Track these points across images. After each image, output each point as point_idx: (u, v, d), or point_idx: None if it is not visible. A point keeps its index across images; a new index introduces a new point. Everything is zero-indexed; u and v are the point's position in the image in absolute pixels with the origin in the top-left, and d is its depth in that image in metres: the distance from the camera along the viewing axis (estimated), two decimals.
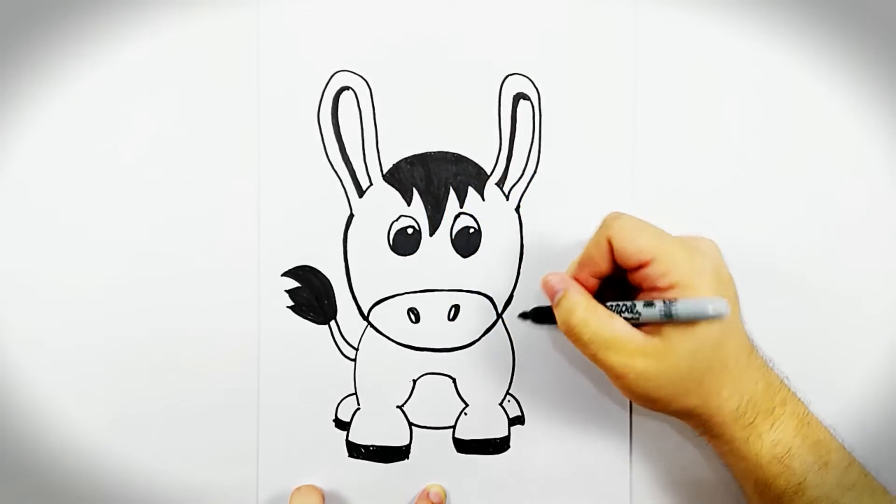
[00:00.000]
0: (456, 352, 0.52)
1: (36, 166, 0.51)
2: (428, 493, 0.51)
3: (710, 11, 0.51)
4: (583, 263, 0.45)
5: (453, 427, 0.52)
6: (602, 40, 0.51)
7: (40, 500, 0.51)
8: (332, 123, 0.51)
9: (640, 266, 0.42)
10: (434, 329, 0.52)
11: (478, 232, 0.52)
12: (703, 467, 0.52)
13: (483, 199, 0.52)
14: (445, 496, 0.52)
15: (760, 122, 0.52)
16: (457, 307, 0.52)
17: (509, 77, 0.51)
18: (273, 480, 0.52)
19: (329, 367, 0.51)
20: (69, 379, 0.51)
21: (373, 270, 0.51)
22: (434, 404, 0.52)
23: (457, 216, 0.51)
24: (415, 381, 0.52)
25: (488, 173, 0.52)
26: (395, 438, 0.52)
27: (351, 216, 0.51)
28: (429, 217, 0.51)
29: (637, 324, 0.43)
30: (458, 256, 0.52)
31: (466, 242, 0.52)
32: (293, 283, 0.51)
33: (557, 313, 0.44)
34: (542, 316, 0.48)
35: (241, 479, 0.52)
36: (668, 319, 0.41)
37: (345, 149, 0.51)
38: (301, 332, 0.51)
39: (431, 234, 0.51)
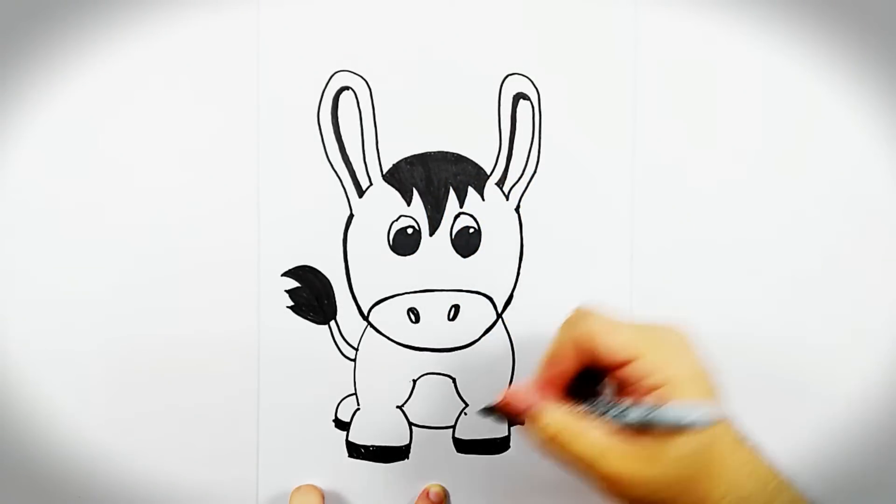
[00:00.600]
0: (456, 352, 0.52)
1: (36, 166, 0.51)
2: (428, 493, 0.51)
3: (710, 11, 0.51)
4: (549, 363, 0.42)
5: (453, 427, 0.52)
6: (602, 40, 0.51)
7: (40, 500, 0.51)
8: (332, 123, 0.51)
9: (621, 365, 0.39)
10: (434, 329, 0.52)
11: (478, 232, 0.52)
12: None
13: (483, 199, 0.52)
14: (445, 496, 0.52)
15: (760, 122, 0.52)
16: (457, 307, 0.52)
17: (509, 77, 0.51)
18: (273, 480, 0.52)
19: (329, 367, 0.51)
20: (69, 379, 0.51)
21: (373, 270, 0.51)
22: (434, 404, 0.52)
23: (457, 216, 0.51)
24: (415, 381, 0.52)
25: (488, 173, 0.52)
26: (395, 438, 0.52)
27: (351, 216, 0.51)
28: (429, 217, 0.51)
29: (618, 427, 0.39)
30: (458, 256, 0.52)
31: (466, 242, 0.52)
32: (293, 283, 0.51)
33: (537, 429, 0.41)
34: (508, 416, 0.44)
35: (241, 479, 0.52)
36: (651, 425, 0.38)
37: (345, 149, 0.51)
38: (301, 332, 0.51)
39: (431, 234, 0.51)
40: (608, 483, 0.39)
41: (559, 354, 0.42)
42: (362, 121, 0.51)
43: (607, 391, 0.42)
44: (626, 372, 0.39)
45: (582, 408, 0.40)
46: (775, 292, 0.52)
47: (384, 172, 0.51)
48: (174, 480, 0.51)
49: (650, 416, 0.38)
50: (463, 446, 0.52)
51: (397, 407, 0.52)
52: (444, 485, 0.52)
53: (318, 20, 0.51)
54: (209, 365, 0.51)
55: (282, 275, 0.51)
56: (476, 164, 0.51)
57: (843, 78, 0.51)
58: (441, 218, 0.51)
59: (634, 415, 0.38)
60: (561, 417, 0.40)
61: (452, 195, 0.51)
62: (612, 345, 0.39)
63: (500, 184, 0.52)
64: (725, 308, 0.52)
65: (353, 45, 0.51)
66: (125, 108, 0.51)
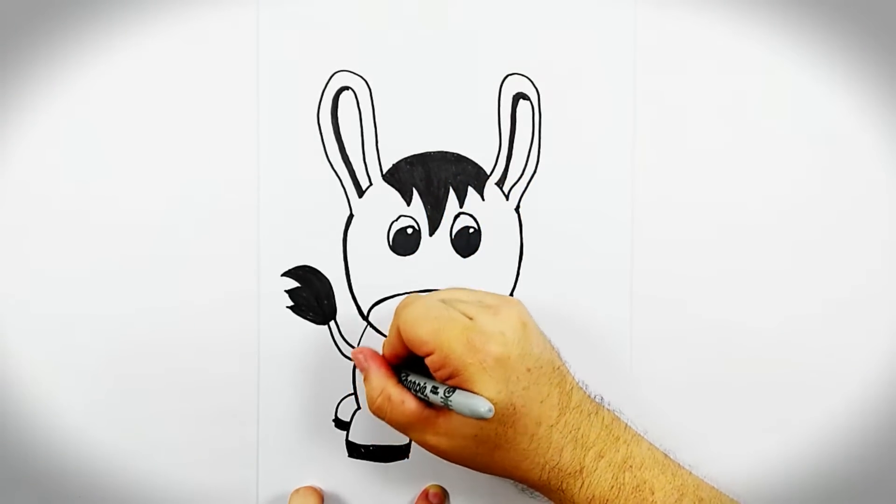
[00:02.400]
0: None
1: (36, 166, 0.51)
2: (427, 494, 0.51)
3: (710, 12, 0.51)
4: (385, 344, 0.47)
5: None
6: (602, 40, 0.51)
7: (41, 501, 0.51)
8: (332, 123, 0.51)
9: (424, 356, 0.43)
10: None
11: (478, 232, 0.52)
12: (699, 468, 0.52)
13: (483, 199, 0.52)
14: (445, 496, 0.52)
15: (760, 122, 0.52)
16: None
17: (509, 77, 0.51)
18: (273, 480, 0.52)
19: (329, 367, 0.51)
20: (69, 379, 0.51)
21: (372, 270, 0.51)
22: None
23: (456, 216, 0.51)
24: None
25: (488, 173, 0.52)
26: (394, 438, 0.52)
27: (351, 216, 0.51)
28: (428, 217, 0.51)
29: (429, 402, 0.44)
30: (458, 256, 0.52)
31: (466, 242, 0.52)
32: (293, 284, 0.51)
33: (366, 394, 0.46)
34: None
35: (241, 479, 0.52)
36: (447, 406, 0.42)
37: (344, 149, 0.51)
38: (301, 332, 0.51)
39: (431, 234, 0.51)
40: (422, 446, 0.45)
41: (390, 340, 0.46)
42: (362, 121, 0.51)
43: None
44: (427, 361, 0.43)
45: (407, 380, 0.45)
46: (775, 292, 0.52)
47: (384, 172, 0.51)
48: (174, 481, 0.51)
49: (444, 400, 0.42)
50: None
51: None
52: (443, 485, 0.52)
53: (318, 20, 0.51)
54: (209, 365, 0.51)
55: (282, 275, 0.51)
56: (476, 164, 0.51)
57: (843, 77, 0.51)
58: (441, 218, 0.51)
59: (435, 397, 0.43)
60: (383, 389, 0.45)
61: (452, 195, 0.51)
62: (413, 339, 0.43)
63: (500, 184, 0.52)
64: (725, 308, 0.52)
65: (352, 45, 0.51)
66: (125, 108, 0.51)
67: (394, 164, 0.51)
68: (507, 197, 0.52)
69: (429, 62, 0.51)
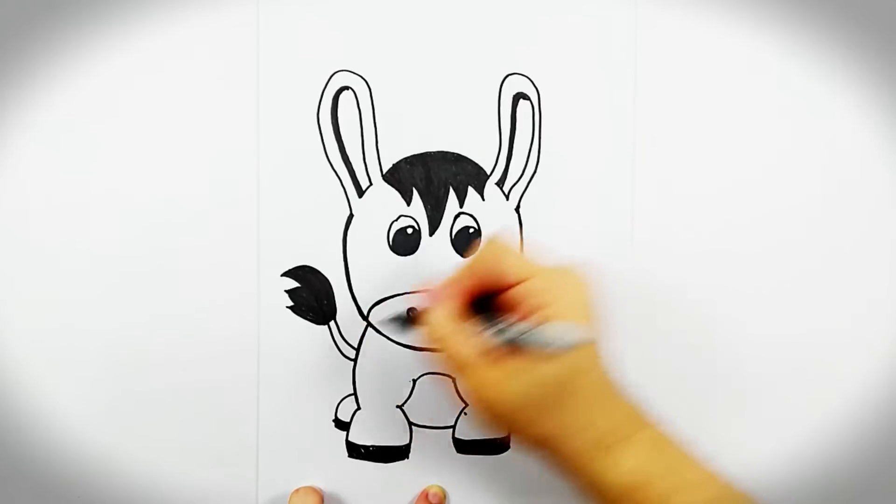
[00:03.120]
0: None
1: (36, 166, 0.51)
2: (427, 495, 0.51)
3: (710, 11, 0.51)
4: (453, 281, 0.45)
5: (453, 427, 0.52)
6: (602, 40, 0.51)
7: (40, 500, 0.51)
8: (332, 123, 0.51)
9: (509, 287, 0.43)
10: None
11: (478, 232, 0.52)
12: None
13: (483, 199, 0.52)
14: (445, 497, 0.52)
15: (760, 121, 0.52)
16: None
17: (509, 77, 0.51)
18: (273, 480, 0.52)
19: (329, 367, 0.51)
20: (69, 379, 0.51)
21: (372, 270, 0.51)
22: (434, 404, 0.52)
23: (456, 216, 0.51)
24: (415, 381, 0.52)
25: (488, 173, 0.52)
26: (394, 438, 0.52)
27: (350, 216, 0.51)
28: (428, 217, 0.51)
29: (500, 343, 0.42)
30: (458, 256, 0.52)
31: (466, 242, 0.52)
32: (293, 284, 0.51)
33: (427, 326, 0.44)
34: (415, 320, 0.47)
35: (241, 479, 0.52)
36: (523, 344, 0.41)
37: (344, 149, 0.51)
38: (301, 333, 0.51)
39: (431, 234, 0.51)
40: (478, 388, 0.42)
41: (461, 275, 0.45)
42: (362, 121, 0.51)
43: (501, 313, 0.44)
44: (514, 291, 0.43)
45: (472, 321, 0.43)
46: (775, 292, 0.52)
47: (384, 172, 0.51)
48: (174, 480, 0.51)
49: (523, 335, 0.41)
50: (463, 446, 0.52)
51: (397, 407, 0.52)
52: (443, 485, 0.52)
53: (318, 20, 0.51)
54: (209, 365, 0.51)
55: (282, 275, 0.51)
56: (476, 164, 0.51)
57: (843, 76, 0.51)
58: (441, 218, 0.51)
59: (510, 333, 0.41)
60: (448, 322, 0.43)
61: (452, 195, 0.51)
62: (503, 267, 0.43)
63: (500, 184, 0.52)
64: (725, 308, 0.52)
65: (352, 45, 0.51)
66: (125, 109, 0.51)
67: (394, 164, 0.51)
68: (507, 197, 0.52)
69: (429, 62, 0.51)
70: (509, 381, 0.41)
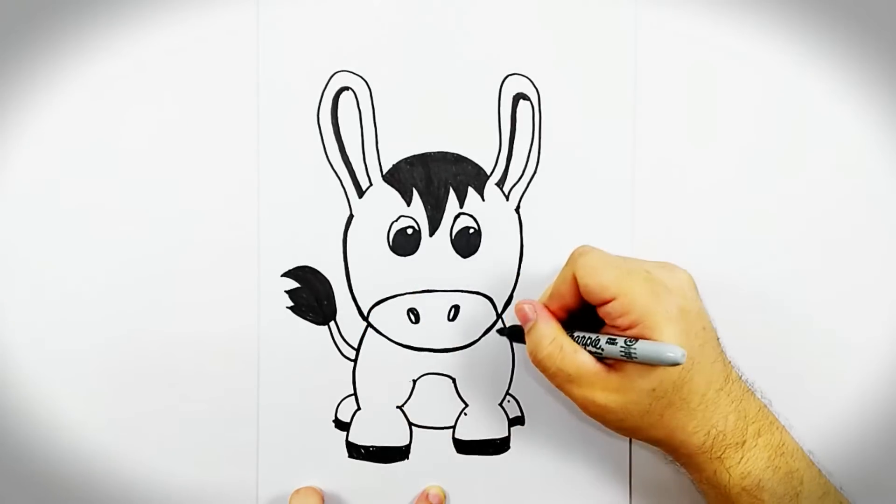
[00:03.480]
0: (456, 352, 0.52)
1: (36, 166, 0.51)
2: (427, 495, 0.51)
3: (710, 11, 0.51)
4: (552, 296, 0.46)
5: (453, 427, 0.52)
6: (602, 40, 0.51)
7: (40, 500, 0.51)
8: (332, 124, 0.51)
9: (604, 303, 0.43)
10: (434, 329, 0.51)
11: (478, 232, 0.52)
12: None
13: (483, 200, 0.52)
14: (445, 498, 0.52)
15: (760, 121, 0.52)
16: (457, 307, 0.51)
17: (509, 77, 0.51)
18: (273, 481, 0.52)
19: (329, 368, 0.51)
20: (69, 380, 0.51)
21: (372, 271, 0.51)
22: (434, 404, 0.52)
23: (457, 216, 0.51)
24: (415, 382, 0.52)
25: (488, 173, 0.52)
26: (394, 439, 0.52)
27: (351, 216, 0.51)
28: (428, 217, 0.51)
29: (601, 357, 0.43)
30: (458, 256, 0.52)
31: (466, 242, 0.52)
32: (293, 284, 0.51)
33: (527, 343, 0.45)
34: (519, 335, 0.48)
35: (241, 479, 0.52)
36: (629, 359, 0.42)
37: (344, 149, 0.51)
38: (301, 333, 0.51)
39: (431, 234, 0.51)
40: (585, 404, 0.43)
41: (559, 290, 0.45)
42: (362, 121, 0.51)
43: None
44: (607, 309, 0.43)
45: (575, 336, 0.44)
46: (775, 291, 0.52)
47: (384, 173, 0.51)
48: (174, 480, 0.51)
49: (624, 350, 0.41)
50: (463, 447, 0.52)
51: (397, 407, 0.52)
52: (443, 485, 0.52)
53: (318, 20, 0.51)
54: (209, 365, 0.51)
55: (282, 275, 0.51)
56: (476, 165, 0.51)
57: (842, 76, 0.51)
58: (441, 218, 0.51)
59: (613, 349, 0.42)
60: (555, 339, 0.44)
61: (452, 195, 0.51)
62: (595, 285, 0.43)
63: (500, 184, 0.52)
64: (725, 308, 0.52)
65: (352, 45, 0.51)
66: (125, 109, 0.51)
67: (394, 165, 0.51)
68: (507, 197, 0.52)
69: (429, 62, 0.51)
70: (615, 395, 0.42)
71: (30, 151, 0.51)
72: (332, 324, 0.51)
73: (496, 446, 0.52)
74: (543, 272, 0.51)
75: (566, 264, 0.45)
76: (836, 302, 0.52)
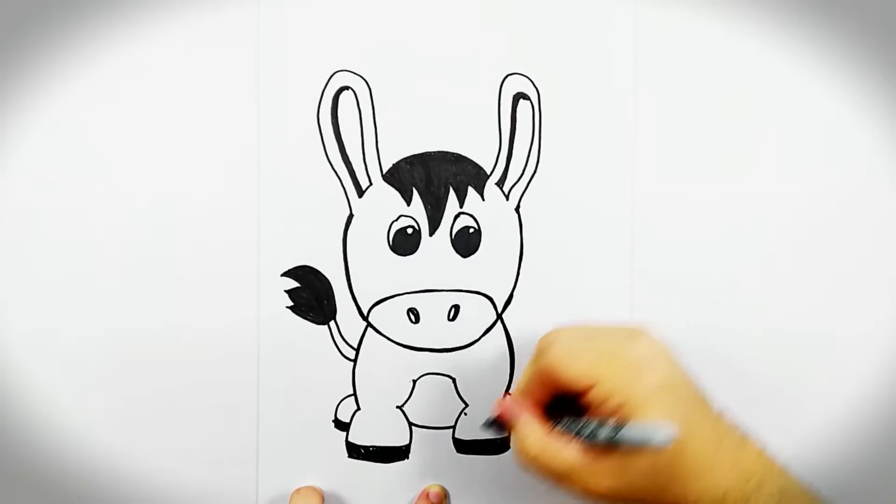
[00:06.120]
0: (456, 352, 0.52)
1: (37, 165, 0.51)
2: (428, 494, 0.51)
3: (710, 12, 0.51)
4: (524, 393, 0.45)
5: (453, 427, 0.52)
6: (602, 40, 0.51)
7: (40, 500, 0.51)
8: (332, 123, 0.51)
9: (584, 391, 0.42)
10: (434, 329, 0.52)
11: (478, 232, 0.52)
12: None
13: (483, 199, 0.52)
14: (445, 496, 0.52)
15: (760, 122, 0.52)
16: (457, 307, 0.52)
17: (509, 77, 0.51)
18: (273, 481, 0.52)
19: (328, 368, 0.51)
20: (69, 379, 0.51)
21: (372, 270, 0.51)
22: (434, 404, 0.52)
23: (456, 216, 0.51)
24: (415, 382, 0.52)
25: (488, 173, 0.52)
26: (394, 439, 0.52)
27: (350, 216, 0.51)
28: (428, 217, 0.51)
29: (591, 442, 0.42)
30: (458, 256, 0.52)
31: (466, 242, 0.52)
32: (293, 284, 0.51)
33: (512, 446, 0.44)
34: (503, 426, 0.46)
35: (241, 479, 0.52)
36: (614, 443, 0.40)
37: (344, 149, 0.51)
38: (301, 333, 0.51)
39: (431, 234, 0.51)
40: (584, 496, 0.42)
41: (530, 385, 0.44)
42: (362, 121, 0.51)
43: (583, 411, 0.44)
44: (588, 397, 0.42)
45: (558, 427, 0.43)
46: (775, 292, 0.52)
47: (384, 172, 0.51)
48: (174, 480, 0.51)
49: (614, 436, 0.40)
50: (463, 446, 0.52)
51: (397, 407, 0.52)
52: (443, 485, 0.52)
53: (318, 20, 0.51)
54: (209, 365, 0.51)
55: (282, 275, 0.51)
56: (476, 164, 0.51)
57: (844, 76, 0.51)
58: (441, 218, 0.51)
59: (601, 434, 0.40)
60: (539, 439, 0.43)
61: (452, 195, 0.51)
62: (570, 376, 0.42)
63: (500, 184, 0.52)
64: (725, 308, 0.52)
65: (352, 45, 0.51)
66: (125, 109, 0.51)
67: (394, 164, 0.51)
68: (507, 197, 0.52)
69: (429, 62, 0.51)
70: (612, 482, 0.41)
71: (29, 151, 0.51)
72: (331, 323, 0.51)
73: (496, 446, 0.52)
74: (543, 272, 0.52)
75: (533, 359, 0.45)
76: (836, 302, 0.52)
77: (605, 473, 0.41)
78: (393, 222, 0.51)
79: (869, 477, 0.52)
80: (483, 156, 0.51)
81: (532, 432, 0.43)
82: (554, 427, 0.43)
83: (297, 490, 0.51)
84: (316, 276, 0.51)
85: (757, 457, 0.43)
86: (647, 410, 0.40)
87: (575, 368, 0.42)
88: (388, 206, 0.51)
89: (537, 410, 0.44)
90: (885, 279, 0.52)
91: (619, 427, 0.40)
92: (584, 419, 0.42)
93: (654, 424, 0.39)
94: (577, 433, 0.42)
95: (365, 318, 0.52)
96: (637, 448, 0.40)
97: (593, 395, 0.41)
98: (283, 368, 0.51)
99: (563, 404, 0.43)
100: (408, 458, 0.52)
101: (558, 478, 0.42)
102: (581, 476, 0.42)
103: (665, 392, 0.41)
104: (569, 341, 0.43)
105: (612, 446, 0.41)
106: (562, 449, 0.42)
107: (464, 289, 0.52)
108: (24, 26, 0.50)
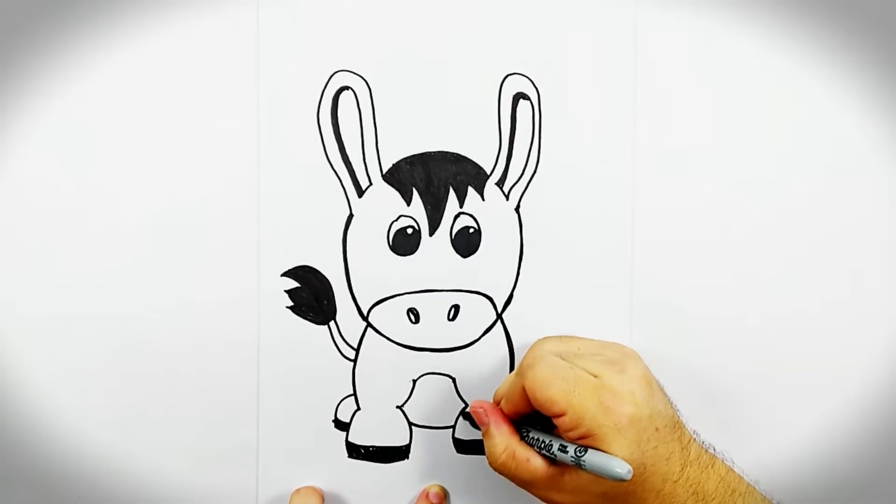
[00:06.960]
0: (456, 352, 0.52)
1: (37, 165, 0.51)
2: (428, 494, 0.51)
3: (710, 12, 0.51)
4: (506, 400, 0.47)
5: (453, 427, 0.52)
6: (602, 40, 0.51)
7: (40, 500, 0.51)
8: (332, 123, 0.51)
9: (554, 416, 0.44)
10: (434, 329, 0.51)
11: (477, 232, 0.52)
12: None
13: (483, 199, 0.52)
14: (445, 496, 0.52)
15: (760, 122, 0.51)
16: (456, 307, 0.51)
17: (509, 77, 0.51)
18: (273, 480, 0.52)
19: (328, 368, 0.51)
20: (69, 379, 0.51)
21: (372, 270, 0.51)
22: (434, 404, 0.52)
23: (456, 216, 0.51)
24: (414, 382, 0.52)
25: (488, 173, 0.52)
26: (394, 438, 0.52)
27: (350, 216, 0.51)
28: (428, 217, 0.51)
29: (554, 460, 0.45)
30: (458, 256, 0.52)
31: (466, 242, 0.52)
32: (293, 284, 0.51)
33: (484, 448, 0.47)
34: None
35: (241, 479, 0.52)
36: (579, 467, 0.43)
37: (344, 149, 0.51)
38: (300, 333, 0.51)
39: (431, 234, 0.51)
40: (546, 502, 0.46)
41: (511, 397, 0.47)
42: (362, 121, 0.51)
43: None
44: (557, 422, 0.44)
45: (529, 437, 0.46)
46: (775, 293, 0.52)
47: (384, 172, 0.51)
48: (174, 481, 0.51)
49: (575, 460, 0.43)
50: (463, 446, 0.52)
51: (397, 407, 0.52)
52: (443, 485, 0.52)
53: (318, 20, 0.51)
54: (209, 365, 0.51)
55: (282, 275, 0.51)
56: (476, 164, 0.51)
57: (844, 76, 0.51)
58: (441, 218, 0.51)
59: (564, 456, 0.43)
60: (507, 447, 0.46)
61: (452, 195, 0.51)
62: (544, 399, 0.44)
63: (500, 184, 0.52)
64: (725, 308, 0.52)
65: (352, 45, 0.51)
66: (125, 108, 0.51)
67: (394, 164, 0.51)
68: (507, 197, 0.52)
69: (429, 62, 0.51)
70: (570, 497, 0.44)
71: (30, 151, 0.51)
72: (331, 324, 0.51)
73: None
74: (543, 272, 0.51)
75: (517, 372, 0.47)
76: (836, 302, 0.52)
77: (565, 487, 0.44)
78: (393, 222, 0.51)
79: (869, 477, 0.52)
80: (483, 156, 0.51)
81: (502, 441, 0.46)
82: (525, 435, 0.46)
83: (297, 490, 0.51)
84: (316, 276, 0.51)
85: (720, 481, 0.45)
86: (611, 445, 0.42)
87: (548, 395, 0.44)
88: (388, 206, 0.51)
89: (515, 416, 0.47)
90: (885, 278, 0.52)
91: (580, 454, 0.42)
92: (551, 438, 0.45)
93: (613, 459, 0.41)
94: (544, 448, 0.44)
95: (365, 318, 0.52)
96: (598, 475, 0.42)
97: (562, 422, 0.43)
98: (283, 368, 0.51)
99: (540, 415, 0.45)
100: (408, 458, 0.52)
101: (521, 484, 0.46)
102: (543, 486, 0.45)
103: (633, 426, 0.43)
104: (548, 367, 0.45)
105: (571, 466, 0.43)
106: (527, 460, 0.45)
107: (464, 289, 0.52)
108: (24, 26, 0.50)
